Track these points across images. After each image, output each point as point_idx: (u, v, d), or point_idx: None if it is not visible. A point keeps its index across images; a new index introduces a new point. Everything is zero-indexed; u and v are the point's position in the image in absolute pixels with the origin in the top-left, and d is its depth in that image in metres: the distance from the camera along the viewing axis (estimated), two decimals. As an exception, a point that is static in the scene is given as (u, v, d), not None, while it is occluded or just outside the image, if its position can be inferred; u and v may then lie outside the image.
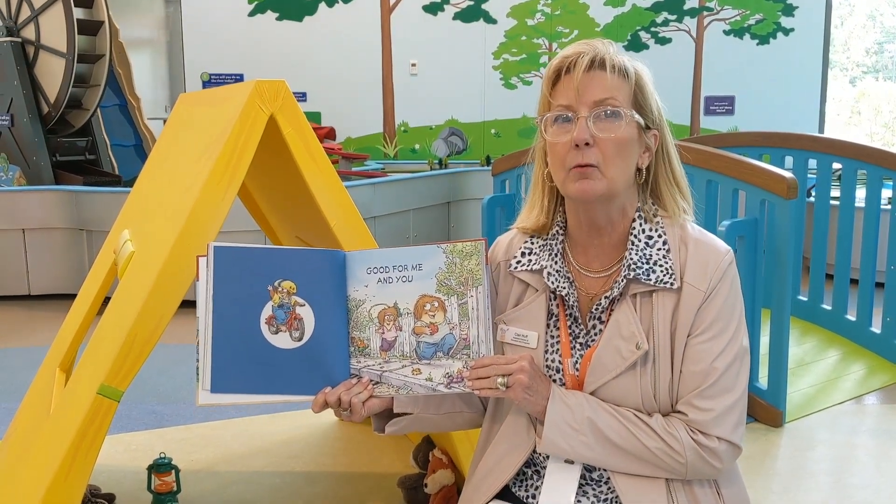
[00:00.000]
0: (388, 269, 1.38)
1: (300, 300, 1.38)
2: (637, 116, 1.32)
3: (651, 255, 1.35)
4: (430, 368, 1.35)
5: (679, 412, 1.33)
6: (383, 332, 1.38)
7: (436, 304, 1.36)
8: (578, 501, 1.37)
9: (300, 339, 1.37)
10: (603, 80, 1.30)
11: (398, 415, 1.45)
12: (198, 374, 1.34)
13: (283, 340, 1.37)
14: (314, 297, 1.38)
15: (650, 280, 1.33)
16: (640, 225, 1.37)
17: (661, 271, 1.33)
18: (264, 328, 1.37)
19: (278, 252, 1.41)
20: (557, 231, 1.44)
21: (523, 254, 1.45)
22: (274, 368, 1.36)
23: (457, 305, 1.35)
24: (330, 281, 1.39)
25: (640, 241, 1.36)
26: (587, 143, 1.29)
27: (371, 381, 1.37)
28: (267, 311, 1.37)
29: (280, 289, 1.37)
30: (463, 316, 1.35)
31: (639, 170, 1.36)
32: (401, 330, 1.37)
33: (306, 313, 1.37)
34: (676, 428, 1.31)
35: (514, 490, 1.46)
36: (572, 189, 1.32)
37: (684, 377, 1.32)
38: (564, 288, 1.39)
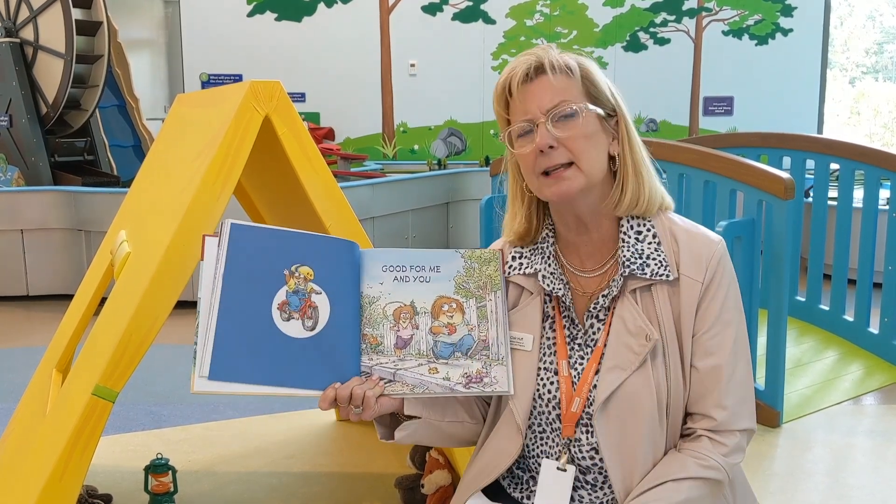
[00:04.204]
0: (405, 269, 1.37)
1: (316, 287, 1.31)
2: (593, 108, 1.34)
3: (643, 250, 1.36)
4: (447, 368, 1.33)
5: (700, 416, 1.34)
6: (398, 330, 1.35)
7: (454, 306, 1.35)
8: (573, 504, 1.38)
9: (313, 329, 1.30)
10: (548, 84, 1.32)
11: (402, 422, 1.44)
12: (194, 359, 1.23)
13: (294, 328, 1.29)
14: (331, 286, 1.32)
15: (646, 274, 1.34)
16: (628, 221, 1.39)
17: (655, 264, 1.35)
18: (275, 314, 1.29)
19: (298, 235, 1.35)
20: (547, 235, 1.45)
21: (514, 258, 1.46)
22: (281, 358, 1.27)
23: (475, 308, 1.35)
24: (347, 272, 1.34)
25: (629, 237, 1.38)
26: (551, 147, 1.31)
27: (382, 379, 1.33)
28: (280, 296, 1.29)
29: (297, 274, 1.30)
30: (481, 318, 1.34)
31: (612, 157, 1.37)
32: (417, 328, 1.35)
33: (321, 301, 1.31)
34: (707, 456, 1.31)
35: (509, 492, 1.46)
36: (549, 193, 1.35)
37: (697, 373, 1.34)
38: (560, 289, 1.39)
